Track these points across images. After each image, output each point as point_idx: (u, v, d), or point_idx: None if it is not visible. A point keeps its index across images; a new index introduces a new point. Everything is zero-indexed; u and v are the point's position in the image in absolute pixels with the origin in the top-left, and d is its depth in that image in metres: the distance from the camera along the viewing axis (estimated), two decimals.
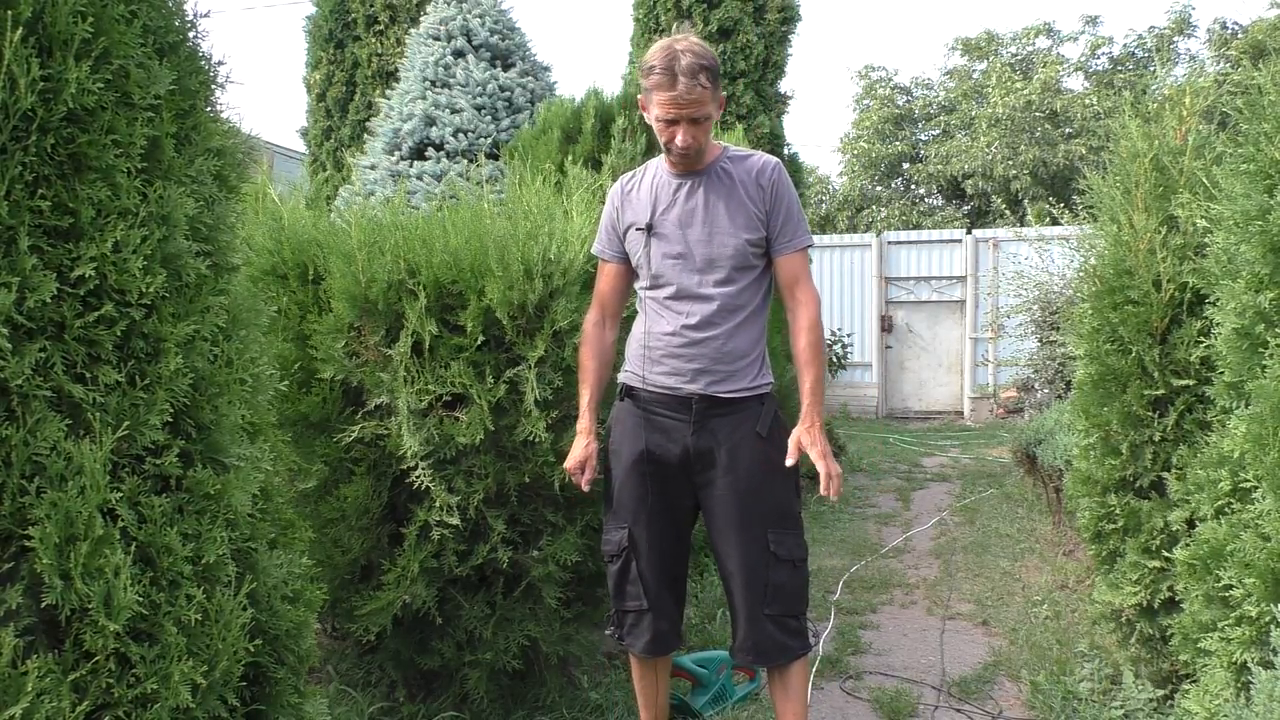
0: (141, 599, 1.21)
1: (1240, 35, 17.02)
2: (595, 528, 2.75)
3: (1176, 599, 2.38)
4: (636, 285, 2.46)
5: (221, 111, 1.43)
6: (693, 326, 2.31)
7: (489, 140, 5.99)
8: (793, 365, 2.41)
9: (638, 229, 2.38)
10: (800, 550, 2.33)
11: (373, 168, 6.18)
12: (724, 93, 7.30)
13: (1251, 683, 1.42)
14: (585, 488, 2.42)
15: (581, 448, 2.40)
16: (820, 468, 2.25)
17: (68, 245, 1.19)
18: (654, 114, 2.28)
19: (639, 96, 2.38)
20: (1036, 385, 7.81)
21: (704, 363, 2.31)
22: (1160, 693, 2.71)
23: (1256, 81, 1.94)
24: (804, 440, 2.27)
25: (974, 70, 19.87)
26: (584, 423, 2.43)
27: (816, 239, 11.95)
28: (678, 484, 2.36)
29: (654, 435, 2.35)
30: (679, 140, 2.25)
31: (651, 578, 2.38)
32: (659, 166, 2.42)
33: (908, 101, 20.57)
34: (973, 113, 18.62)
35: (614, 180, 2.55)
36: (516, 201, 2.75)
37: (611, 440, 2.43)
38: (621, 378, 2.46)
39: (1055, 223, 10.00)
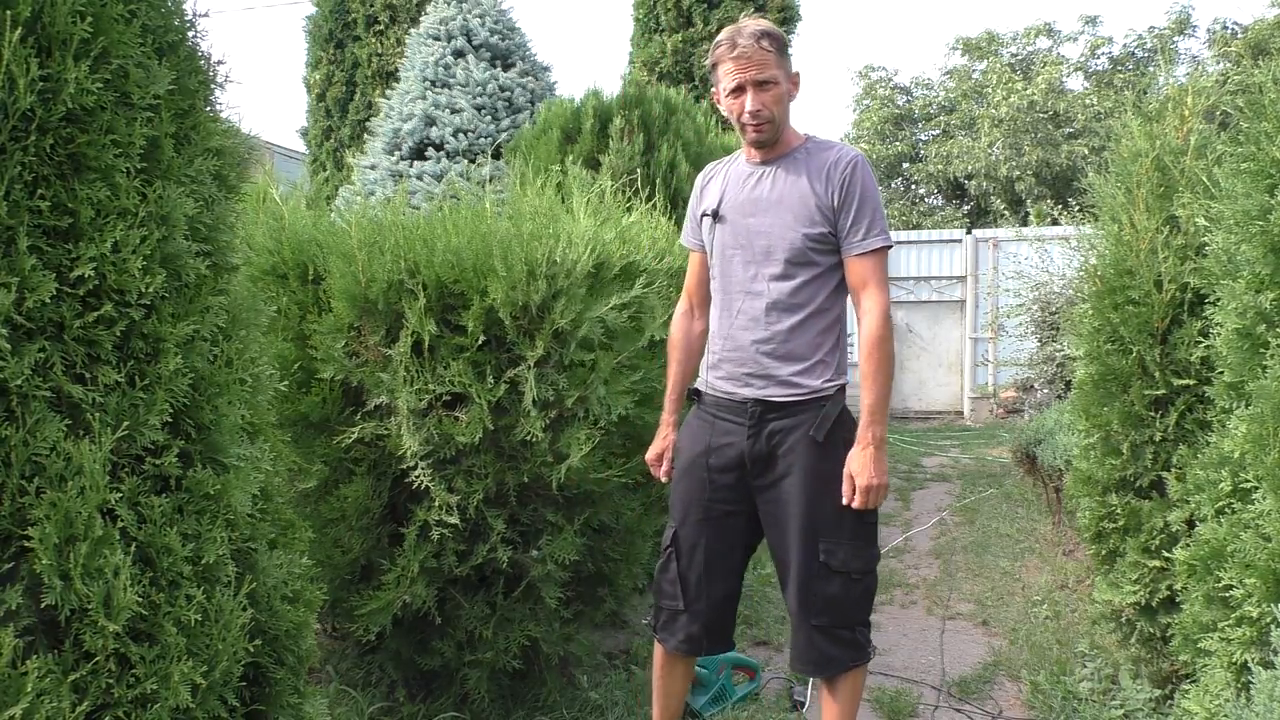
0: (141, 599, 1.20)
1: (1240, 35, 17.00)
2: (595, 527, 2.75)
3: (1176, 599, 2.38)
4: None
5: (221, 111, 1.43)
6: (744, 327, 2.27)
7: (489, 140, 6.00)
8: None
9: (706, 214, 2.34)
10: (857, 561, 2.22)
11: (373, 168, 6.18)
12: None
13: (1251, 683, 1.42)
14: (664, 479, 2.46)
15: (660, 440, 2.46)
16: (859, 482, 2.16)
17: (67, 245, 1.19)
18: (723, 90, 2.22)
19: (711, 91, 2.34)
20: (1036, 385, 7.80)
21: (754, 367, 2.25)
22: (1160, 693, 2.71)
23: (1257, 80, 1.94)
24: (853, 465, 2.18)
25: (974, 70, 19.86)
26: (664, 414, 2.48)
27: None
28: (735, 490, 2.31)
29: (715, 438, 2.32)
30: (748, 105, 2.17)
31: (691, 580, 2.33)
32: (740, 155, 2.37)
33: (908, 101, 20.55)
34: (973, 113, 18.60)
35: (612, 179, 2.55)
36: (518, 202, 2.75)
37: (679, 438, 2.44)
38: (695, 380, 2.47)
39: (1055, 223, 9.99)
